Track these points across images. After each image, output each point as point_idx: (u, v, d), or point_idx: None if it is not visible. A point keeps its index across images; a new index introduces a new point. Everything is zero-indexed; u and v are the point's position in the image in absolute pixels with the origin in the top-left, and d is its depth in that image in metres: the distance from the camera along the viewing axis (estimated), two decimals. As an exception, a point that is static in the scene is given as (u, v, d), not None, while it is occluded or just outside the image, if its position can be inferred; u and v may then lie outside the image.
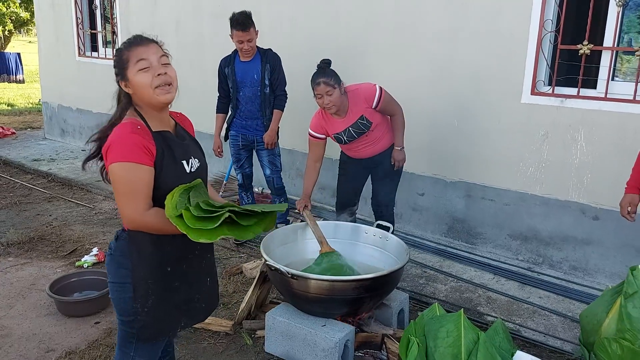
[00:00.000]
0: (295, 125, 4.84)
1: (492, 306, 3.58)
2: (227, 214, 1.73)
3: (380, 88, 3.59)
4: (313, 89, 3.50)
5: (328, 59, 3.58)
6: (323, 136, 3.73)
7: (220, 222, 1.71)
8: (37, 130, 9.72)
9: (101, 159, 1.89)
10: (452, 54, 4.34)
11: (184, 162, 1.92)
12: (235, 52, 4.27)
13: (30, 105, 12.93)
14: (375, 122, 3.61)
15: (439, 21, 4.36)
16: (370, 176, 3.95)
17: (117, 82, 1.89)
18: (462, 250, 4.41)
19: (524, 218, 4.20)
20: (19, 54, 17.61)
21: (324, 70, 3.48)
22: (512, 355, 2.51)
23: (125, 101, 1.90)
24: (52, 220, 5.17)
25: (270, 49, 4.28)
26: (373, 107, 3.57)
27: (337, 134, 3.67)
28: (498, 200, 4.31)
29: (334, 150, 4.17)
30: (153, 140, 1.82)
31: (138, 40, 1.86)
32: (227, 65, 4.25)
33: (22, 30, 28.17)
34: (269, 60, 4.20)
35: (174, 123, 2.00)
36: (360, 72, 4.85)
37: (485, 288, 3.81)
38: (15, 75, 17.22)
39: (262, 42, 4.37)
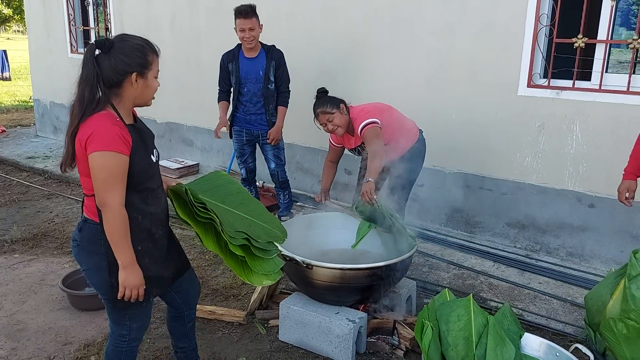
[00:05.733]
0: (295, 119, 4.89)
1: (494, 292, 3.70)
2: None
3: (366, 125, 3.49)
4: (315, 121, 3.65)
5: (323, 88, 3.71)
6: (341, 146, 3.92)
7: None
8: (27, 127, 9.65)
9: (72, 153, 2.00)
10: (449, 48, 4.44)
11: (151, 153, 2.11)
12: (239, 47, 4.32)
13: (17, 103, 12.80)
14: None
15: (436, 15, 4.45)
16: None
17: (124, 73, 1.97)
18: (461, 239, 4.53)
19: (521, 207, 4.33)
20: (5, 51, 17.36)
21: (320, 100, 3.62)
22: (520, 338, 2.63)
23: (108, 93, 2.00)
24: (53, 217, 5.19)
25: (274, 46, 4.34)
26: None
27: (350, 149, 3.87)
28: (496, 190, 4.43)
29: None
30: (129, 133, 1.98)
31: (158, 50, 2.10)
32: (231, 61, 4.30)
33: (1, 27, 27.64)
34: (274, 57, 4.27)
35: (132, 115, 2.15)
36: (358, 67, 4.93)
37: (487, 275, 3.93)
38: (2, 73, 16.99)
39: (260, 37, 4.42)
